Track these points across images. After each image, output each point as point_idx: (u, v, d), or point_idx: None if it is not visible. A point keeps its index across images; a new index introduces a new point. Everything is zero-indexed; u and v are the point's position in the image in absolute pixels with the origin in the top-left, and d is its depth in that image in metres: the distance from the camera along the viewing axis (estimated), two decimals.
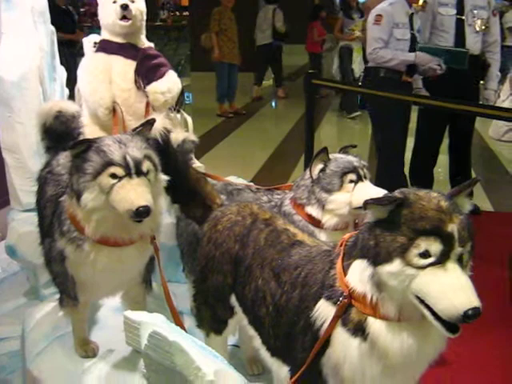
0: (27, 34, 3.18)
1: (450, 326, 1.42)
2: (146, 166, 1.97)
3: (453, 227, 1.43)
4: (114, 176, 1.91)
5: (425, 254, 1.42)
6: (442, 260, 1.42)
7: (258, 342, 1.98)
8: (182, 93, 3.66)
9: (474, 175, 5.81)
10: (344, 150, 2.56)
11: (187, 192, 2.44)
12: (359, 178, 2.40)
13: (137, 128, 2.10)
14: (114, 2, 3.22)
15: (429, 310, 1.43)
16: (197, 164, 3.40)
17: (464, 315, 1.35)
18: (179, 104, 3.67)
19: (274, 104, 12.24)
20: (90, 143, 1.95)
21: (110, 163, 1.90)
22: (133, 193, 1.87)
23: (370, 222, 1.54)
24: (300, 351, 1.73)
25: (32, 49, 3.16)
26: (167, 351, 1.46)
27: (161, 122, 2.20)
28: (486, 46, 4.90)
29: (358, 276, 1.56)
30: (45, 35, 3.31)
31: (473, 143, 5.42)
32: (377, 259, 1.49)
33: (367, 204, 1.50)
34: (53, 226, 2.16)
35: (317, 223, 2.42)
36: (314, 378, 1.69)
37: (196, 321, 2.30)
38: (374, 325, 1.54)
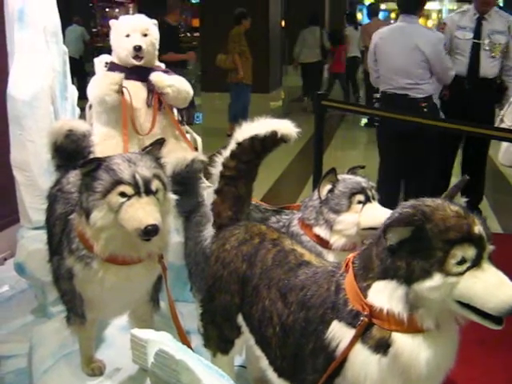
0: (40, 53, 3.21)
1: (495, 320, 1.48)
2: (155, 184, 1.98)
3: (479, 229, 1.49)
4: (123, 194, 1.92)
5: (462, 261, 1.46)
6: (477, 262, 1.47)
7: (264, 362, 1.97)
8: (192, 105, 3.68)
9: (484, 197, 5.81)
10: (352, 170, 2.57)
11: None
12: (367, 199, 2.40)
13: (147, 147, 2.12)
14: (127, 36, 3.25)
15: (473, 311, 1.48)
16: (206, 184, 3.42)
17: None
18: (190, 117, 3.70)
19: None
20: (99, 162, 1.97)
21: (119, 182, 1.92)
22: (141, 211, 1.89)
23: (393, 243, 1.53)
24: (310, 373, 1.72)
25: (44, 68, 3.19)
26: (174, 369, 1.45)
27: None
28: (505, 70, 4.90)
29: (387, 296, 1.57)
30: (57, 55, 3.35)
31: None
32: (411, 278, 1.51)
33: (389, 227, 1.52)
34: (62, 244, 2.18)
35: (325, 244, 2.42)
36: None
37: (203, 340, 2.30)
38: (400, 339, 1.56)
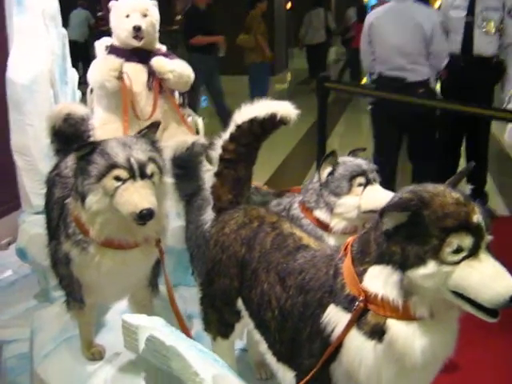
0: (38, 37, 3.20)
1: (490, 312, 1.44)
2: (150, 168, 1.96)
3: (478, 217, 1.43)
4: (118, 178, 1.91)
5: (458, 250, 1.42)
6: (474, 251, 1.42)
7: (263, 346, 1.96)
8: (193, 88, 3.65)
9: (489, 179, 5.76)
10: (353, 153, 2.54)
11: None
12: (368, 182, 2.37)
13: (142, 130, 2.09)
14: (127, 17, 3.23)
15: (468, 302, 1.44)
16: (208, 167, 3.39)
17: (510, 300, 1.37)
18: (194, 100, 3.67)
19: None
20: (94, 145, 1.95)
21: (114, 166, 1.90)
22: (136, 195, 1.87)
23: (389, 228, 1.50)
24: (307, 358, 1.70)
25: (43, 52, 3.18)
26: (164, 355, 1.44)
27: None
28: (501, 48, 4.84)
29: (382, 281, 1.54)
30: (56, 38, 3.34)
31: (489, 146, 5.37)
32: (406, 264, 1.47)
33: (385, 211, 1.48)
34: (59, 229, 2.17)
35: (325, 227, 2.40)
36: None
37: (203, 324, 2.29)
38: (395, 326, 1.52)
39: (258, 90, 9.98)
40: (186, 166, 2.84)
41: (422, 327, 1.51)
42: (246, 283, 1.99)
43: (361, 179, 2.37)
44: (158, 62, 3.28)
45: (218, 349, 2.26)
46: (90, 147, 1.95)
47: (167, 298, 2.25)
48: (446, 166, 5.08)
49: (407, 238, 1.46)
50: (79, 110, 2.65)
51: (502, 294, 1.37)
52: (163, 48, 3.67)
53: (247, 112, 2.18)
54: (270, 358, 1.93)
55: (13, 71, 3.10)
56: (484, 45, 4.70)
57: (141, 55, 3.34)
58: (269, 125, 2.18)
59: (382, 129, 4.79)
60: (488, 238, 1.44)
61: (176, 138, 3.00)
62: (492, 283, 1.39)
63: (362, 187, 2.36)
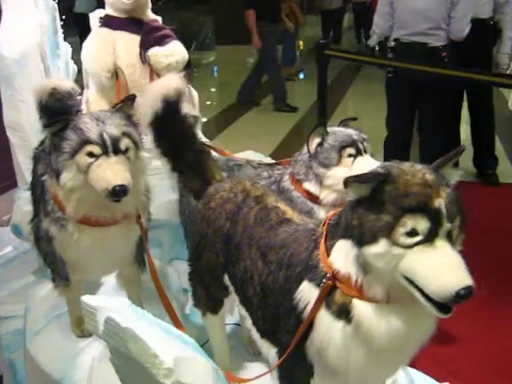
0: (27, 10, 3.16)
1: (442, 306, 1.34)
2: (124, 143, 1.92)
3: (440, 202, 1.33)
4: (91, 154, 1.87)
5: (412, 233, 1.33)
6: (430, 238, 1.33)
7: (249, 322, 1.94)
8: (189, 65, 3.61)
9: (499, 144, 5.69)
10: (344, 122, 2.47)
11: (188, 161, 2.36)
12: (358, 152, 2.31)
13: (117, 104, 2.05)
14: None
15: (419, 290, 1.35)
16: (201, 138, 3.35)
17: (456, 295, 1.27)
18: (187, 77, 3.62)
19: (302, 76, 12.05)
20: (67, 121, 1.91)
21: (86, 141, 1.87)
22: (109, 172, 1.83)
23: (352, 200, 1.45)
24: (284, 334, 1.68)
25: (32, 26, 3.14)
26: (121, 337, 1.41)
27: (176, 82, 2.14)
28: (496, 7, 4.69)
29: (343, 257, 1.49)
30: (45, 11, 3.29)
31: (496, 111, 5.27)
32: (362, 240, 1.40)
33: (348, 182, 1.42)
34: (40, 206, 2.14)
35: (315, 199, 2.35)
36: (299, 363, 1.64)
37: (193, 300, 2.27)
38: (359, 307, 1.47)
39: (289, 54, 10.10)
40: None
41: (391, 309, 1.44)
42: (230, 259, 1.95)
43: (351, 150, 2.31)
44: (154, 58, 3.27)
45: (208, 324, 2.25)
46: (63, 123, 1.91)
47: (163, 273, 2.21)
48: (449, 135, 5.00)
49: (367, 212, 1.39)
50: (65, 84, 2.59)
51: (448, 288, 1.28)
52: (158, 19, 3.62)
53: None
54: (255, 335, 1.91)
55: (2, 46, 3.07)
56: (480, 5, 4.55)
57: (134, 24, 3.31)
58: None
59: (397, 98, 4.67)
60: (448, 226, 1.34)
61: None
62: (441, 274, 1.29)
63: (351, 158, 2.30)
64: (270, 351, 1.82)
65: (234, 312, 2.35)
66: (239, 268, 1.90)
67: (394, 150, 4.68)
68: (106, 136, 1.88)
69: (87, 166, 1.87)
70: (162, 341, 1.45)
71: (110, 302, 1.53)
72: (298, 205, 2.37)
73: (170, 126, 2.18)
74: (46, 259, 2.28)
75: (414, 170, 1.40)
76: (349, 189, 1.44)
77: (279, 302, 1.69)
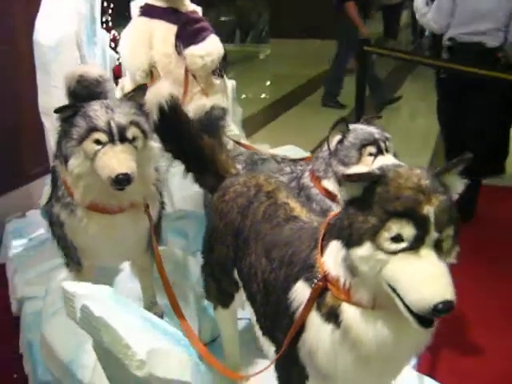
0: None
1: (422, 318, 1.28)
2: (131, 132, 1.93)
3: (428, 209, 1.27)
4: (98, 142, 1.89)
5: (397, 238, 1.27)
6: (415, 245, 1.27)
7: (253, 318, 1.92)
8: (224, 58, 3.60)
9: None
10: (367, 120, 2.41)
11: (200, 161, 2.37)
12: (380, 151, 2.26)
13: (129, 93, 2.05)
14: None
15: (400, 300, 1.29)
16: (232, 131, 3.33)
17: (434, 309, 1.21)
18: (222, 69, 3.61)
19: None
20: (77, 108, 1.93)
21: (94, 129, 1.88)
22: (114, 160, 1.84)
23: (345, 199, 1.41)
24: (279, 333, 1.65)
25: (69, 14, 3.18)
26: (95, 327, 1.41)
27: (167, 89, 2.14)
28: None
29: (333, 258, 1.45)
30: (84, 0, 3.32)
31: None
32: (349, 241, 1.36)
33: (341, 181, 1.39)
34: (53, 191, 2.18)
35: (333, 198, 2.31)
36: (293, 364, 1.62)
37: (204, 292, 2.27)
38: (348, 311, 1.43)
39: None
40: (206, 130, 2.79)
41: (376, 316, 1.39)
42: (238, 253, 1.94)
43: (371, 148, 2.25)
44: (190, 58, 3.27)
45: (219, 318, 2.25)
46: (73, 109, 1.93)
47: (177, 262, 2.20)
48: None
49: (357, 212, 1.35)
50: (93, 71, 2.62)
51: (426, 300, 1.21)
52: (198, 9, 3.63)
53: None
54: (258, 332, 1.89)
55: (39, 33, 3.14)
56: None
57: (172, 14, 3.33)
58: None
59: (450, 98, 4.52)
60: (435, 235, 1.27)
61: (195, 101, 2.96)
62: (421, 285, 1.23)
63: (372, 157, 2.25)
64: (269, 349, 1.80)
65: (245, 307, 2.34)
66: (245, 263, 1.88)
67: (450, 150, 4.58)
68: (113, 124, 1.89)
69: (94, 153, 1.89)
70: (139, 332, 1.44)
71: (92, 289, 1.54)
72: (316, 202, 2.34)
73: (174, 131, 2.21)
74: (58, 243, 2.31)
75: (410, 174, 1.35)
76: (341, 188, 1.40)
77: (279, 300, 1.66)
